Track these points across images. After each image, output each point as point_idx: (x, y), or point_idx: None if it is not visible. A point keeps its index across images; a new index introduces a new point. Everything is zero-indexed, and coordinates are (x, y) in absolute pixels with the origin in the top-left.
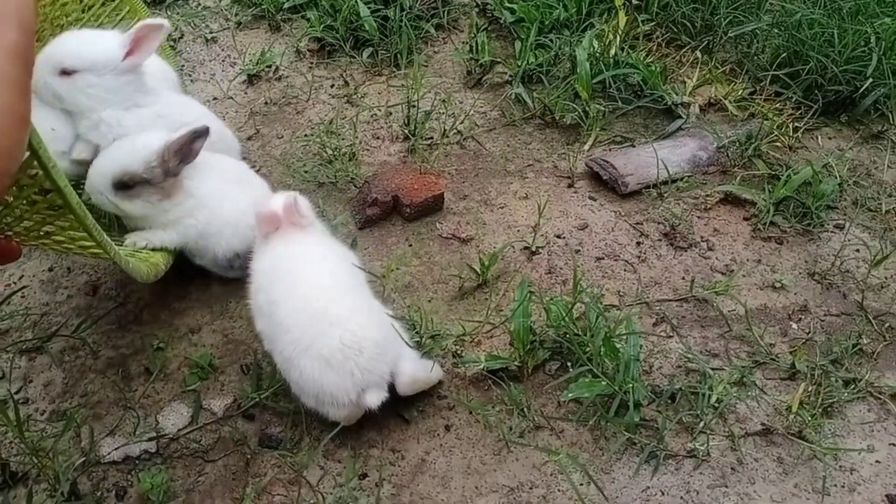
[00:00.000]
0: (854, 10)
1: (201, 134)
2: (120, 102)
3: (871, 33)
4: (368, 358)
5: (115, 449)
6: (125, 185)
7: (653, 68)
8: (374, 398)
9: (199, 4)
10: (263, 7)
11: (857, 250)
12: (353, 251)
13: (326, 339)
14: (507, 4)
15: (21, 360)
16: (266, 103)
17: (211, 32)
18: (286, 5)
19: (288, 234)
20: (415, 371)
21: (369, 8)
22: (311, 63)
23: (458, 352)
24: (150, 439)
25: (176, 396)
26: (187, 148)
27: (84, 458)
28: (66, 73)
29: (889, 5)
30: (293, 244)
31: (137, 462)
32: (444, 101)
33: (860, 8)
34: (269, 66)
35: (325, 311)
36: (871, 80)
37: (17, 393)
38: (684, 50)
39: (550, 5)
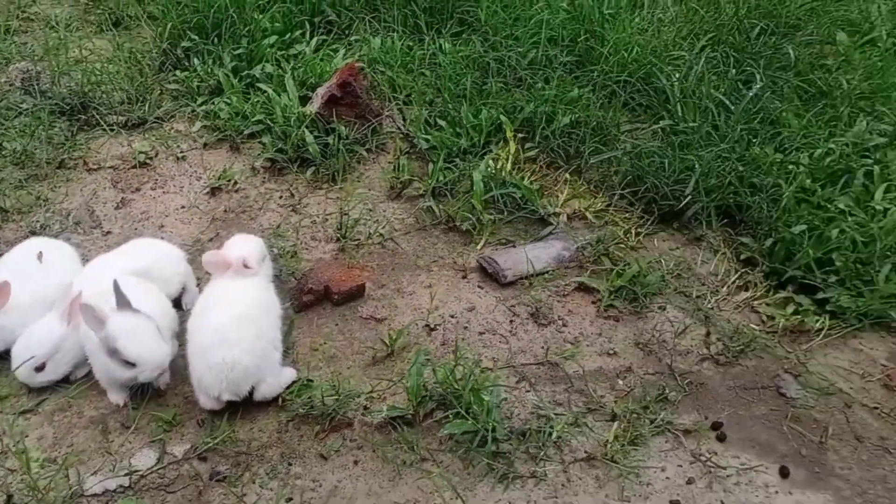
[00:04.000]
0: (683, 144)
1: None
2: None
3: (695, 161)
4: (236, 376)
5: (96, 484)
6: None
7: (531, 187)
8: (227, 398)
9: (172, 128)
10: (226, 132)
11: (673, 325)
12: (280, 300)
13: (217, 352)
14: (422, 135)
15: (19, 420)
16: (225, 211)
17: (181, 152)
18: (246, 131)
19: (232, 277)
20: (265, 392)
21: (314, 136)
22: (265, 178)
23: (367, 405)
24: (125, 474)
25: (146, 445)
26: None
27: (71, 492)
28: None
29: (710, 140)
30: (230, 283)
31: (114, 493)
32: (370, 210)
33: (686, 142)
34: (229, 181)
35: (226, 332)
36: (689, 196)
37: (15, 445)
38: (560, 171)
39: (458, 134)
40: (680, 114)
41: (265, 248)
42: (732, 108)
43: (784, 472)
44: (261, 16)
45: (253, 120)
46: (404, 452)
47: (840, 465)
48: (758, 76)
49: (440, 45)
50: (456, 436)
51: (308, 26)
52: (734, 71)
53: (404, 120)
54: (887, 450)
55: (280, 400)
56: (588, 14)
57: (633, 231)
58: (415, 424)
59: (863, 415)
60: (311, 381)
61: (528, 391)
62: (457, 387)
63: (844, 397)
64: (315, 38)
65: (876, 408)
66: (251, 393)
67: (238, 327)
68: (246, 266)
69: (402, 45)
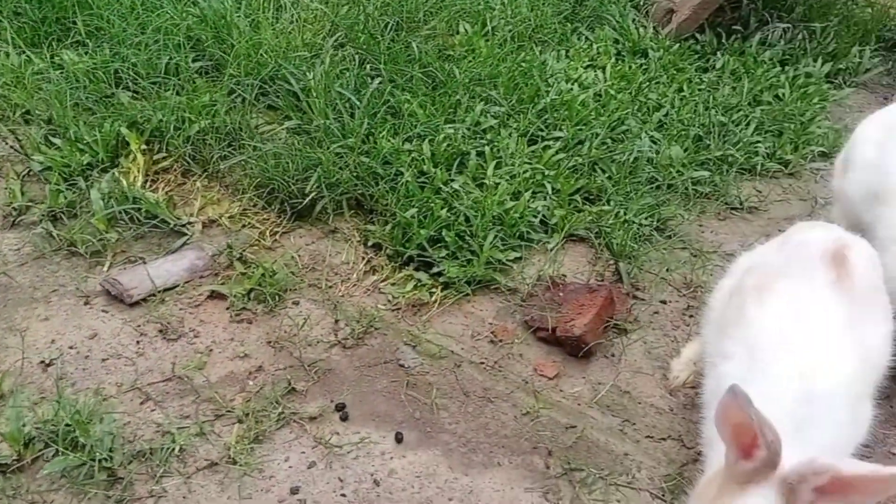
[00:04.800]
0: (311, 141)
1: None
2: None
3: (320, 157)
4: None
5: None
6: None
7: (156, 199)
8: None
9: None
10: None
11: (304, 319)
12: None
13: None
14: (36, 155)
15: None
16: None
17: None
18: None
19: None
20: None
21: None
22: None
23: None
24: None
25: None
26: None
27: None
28: None
29: (337, 135)
30: None
31: None
32: None
33: (313, 140)
34: None
35: None
36: (314, 192)
37: None
38: (195, 178)
39: (82, 150)
40: (310, 113)
41: None
42: (359, 103)
43: (399, 438)
44: None
45: None
46: (13, 501)
47: (449, 421)
48: (383, 70)
49: (62, 57)
50: (63, 472)
51: None
52: (368, 67)
53: (18, 141)
54: (489, 399)
55: None
56: (216, 18)
57: (269, 232)
58: (24, 469)
59: (471, 371)
60: None
61: (154, 410)
62: (68, 422)
63: (455, 358)
64: None
65: (482, 363)
66: None
67: None
68: None
69: (18, 59)
